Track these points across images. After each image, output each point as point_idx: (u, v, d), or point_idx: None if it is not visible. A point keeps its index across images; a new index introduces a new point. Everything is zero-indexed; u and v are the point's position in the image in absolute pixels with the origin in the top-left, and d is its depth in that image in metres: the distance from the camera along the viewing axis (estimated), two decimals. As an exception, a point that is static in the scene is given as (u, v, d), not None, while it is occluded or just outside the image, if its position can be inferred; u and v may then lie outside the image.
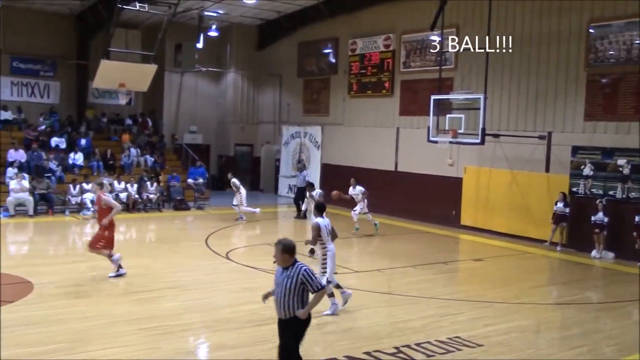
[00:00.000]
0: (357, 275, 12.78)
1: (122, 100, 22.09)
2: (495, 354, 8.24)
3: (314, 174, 25.36)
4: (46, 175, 20.82)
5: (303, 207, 20.57)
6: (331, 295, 9.63)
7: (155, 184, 22.03)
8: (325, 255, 9.69)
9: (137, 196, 21.41)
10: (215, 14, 25.23)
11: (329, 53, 24.93)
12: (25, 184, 19.45)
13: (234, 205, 20.60)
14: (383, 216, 20.92)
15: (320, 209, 10.05)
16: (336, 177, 24.20)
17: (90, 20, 24.98)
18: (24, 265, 12.55)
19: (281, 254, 6.29)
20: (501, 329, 9.38)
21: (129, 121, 27.01)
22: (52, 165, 21.83)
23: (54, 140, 23.63)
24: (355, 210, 18.38)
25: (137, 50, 25.14)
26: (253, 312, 9.60)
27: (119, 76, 20.83)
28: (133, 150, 24.43)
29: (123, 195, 21.02)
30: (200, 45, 24.87)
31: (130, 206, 21.10)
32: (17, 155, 21.63)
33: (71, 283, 11.12)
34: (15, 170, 20.37)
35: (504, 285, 12.51)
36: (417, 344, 8.42)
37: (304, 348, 6.35)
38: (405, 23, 21.56)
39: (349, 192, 18.37)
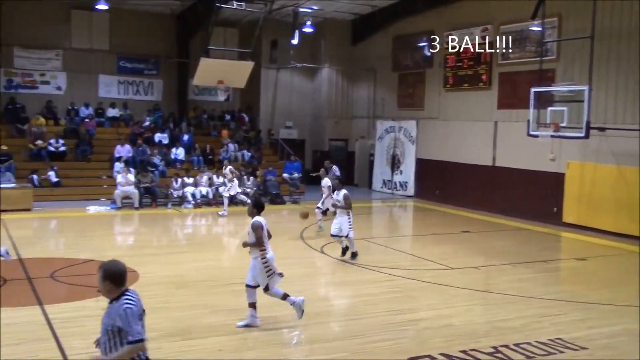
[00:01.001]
0: (452, 272, 12.54)
1: (221, 97, 22.66)
2: (600, 358, 7.85)
3: (408, 169, 25.14)
4: (150, 169, 21.79)
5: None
6: (285, 297, 8.72)
7: (252, 178, 22.53)
8: (266, 259, 8.61)
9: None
10: (309, 10, 25.45)
11: (424, 46, 24.56)
12: (131, 177, 20.41)
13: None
14: (479, 212, 20.45)
15: (259, 207, 8.89)
16: (431, 172, 23.88)
17: (190, 20, 25.86)
18: (129, 255, 13.15)
19: (102, 282, 4.70)
20: (606, 332, 8.92)
21: (227, 117, 27.78)
22: (156, 159, 22.83)
23: (158, 136, 24.70)
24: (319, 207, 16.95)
25: (235, 48, 25.76)
26: (347, 306, 9.63)
27: (218, 73, 21.39)
28: (231, 146, 25.13)
29: (221, 189, 21.62)
30: (295, 41, 25.17)
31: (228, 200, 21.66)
32: (124, 150, 22.78)
33: (173, 273, 11.57)
34: (122, 164, 21.48)
35: (610, 286, 11.89)
36: (516, 345, 8.15)
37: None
38: (504, 13, 20.88)
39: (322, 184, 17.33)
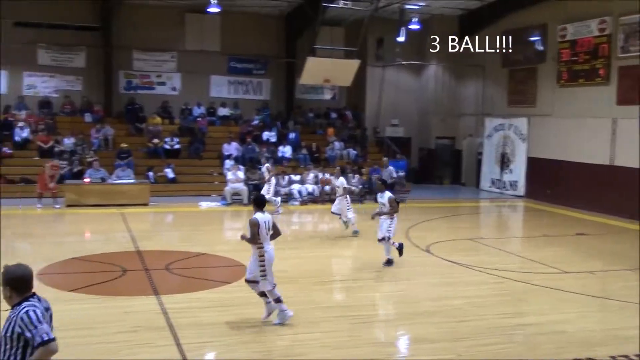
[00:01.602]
0: (565, 276, 11.99)
1: (327, 96, 22.95)
2: None
3: (518, 168, 24.30)
4: (259, 167, 22.36)
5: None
6: (278, 300, 8.50)
7: (357, 176, 22.58)
8: (263, 256, 8.42)
9: (340, 188, 22.11)
10: (416, 7, 25.14)
11: (536, 40, 23.61)
12: (241, 174, 21.04)
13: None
14: (594, 213, 19.44)
15: (259, 204, 8.67)
16: (542, 171, 22.95)
17: (298, 21, 26.26)
18: (238, 249, 13.49)
19: (3, 287, 4.32)
20: None
21: (333, 115, 28.01)
22: (264, 157, 23.38)
23: (266, 134, 25.32)
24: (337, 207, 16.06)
25: (341, 47, 25.91)
26: (454, 307, 9.44)
27: (324, 72, 21.60)
28: (337, 144, 25.32)
29: (327, 187, 21.86)
30: (401, 38, 24.97)
31: (333, 198, 21.86)
32: (233, 148, 23.52)
33: (278, 268, 11.71)
34: (232, 162, 22.18)
35: None
36: (638, 356, 7.66)
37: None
38: (624, 4, 19.66)
39: (333, 183, 16.99)
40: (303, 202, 21.30)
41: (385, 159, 22.06)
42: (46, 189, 18.78)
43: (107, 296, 9.58)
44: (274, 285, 8.48)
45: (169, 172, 22.13)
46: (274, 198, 18.73)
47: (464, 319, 8.94)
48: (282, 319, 8.44)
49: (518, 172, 24.37)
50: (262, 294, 8.58)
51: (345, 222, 15.60)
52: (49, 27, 25.04)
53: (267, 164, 19.42)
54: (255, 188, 21.11)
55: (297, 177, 21.93)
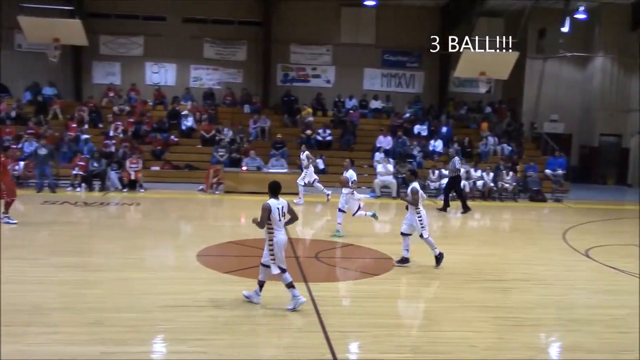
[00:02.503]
0: None
1: (482, 89, 22.19)
2: None
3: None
4: (409, 160, 22.20)
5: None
6: (291, 285, 8.43)
7: (511, 173, 21.71)
8: (272, 241, 8.39)
9: (492, 184, 21.40)
10: (584, -5, 23.63)
11: None
12: (390, 167, 21.01)
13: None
14: None
15: (274, 190, 8.56)
16: None
17: (454, 12, 25.65)
18: (385, 242, 13.52)
19: None
20: None
21: (487, 109, 27.11)
22: (415, 151, 23.18)
23: (417, 128, 25.07)
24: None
25: (499, 38, 24.93)
26: (614, 317, 8.75)
27: (480, 65, 20.98)
28: (491, 139, 24.49)
29: (479, 183, 21.24)
30: (565, 29, 23.55)
31: (485, 194, 21.22)
32: (385, 141, 23.54)
33: (427, 264, 11.60)
34: (382, 154, 22.19)
35: None
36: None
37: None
38: None
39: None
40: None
41: (452, 150, 20.61)
42: (208, 187, 20.13)
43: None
44: (284, 270, 8.45)
45: (320, 163, 22.58)
46: (318, 185, 18.45)
47: (627, 330, 8.25)
48: (295, 305, 8.38)
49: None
50: (260, 284, 8.62)
51: (373, 215, 14.17)
52: (214, 22, 26.57)
53: (306, 152, 19.07)
54: (404, 181, 20.97)
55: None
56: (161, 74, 27.04)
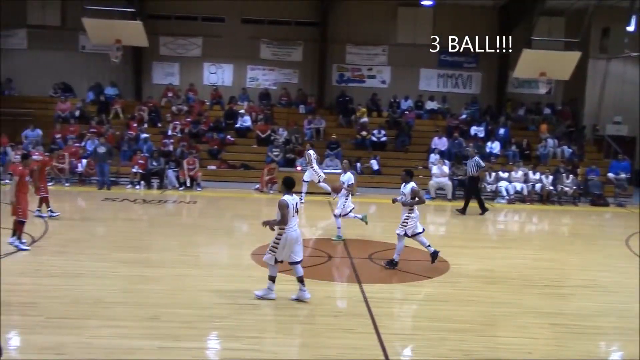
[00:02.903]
0: None
1: (542, 90, 21.70)
2: None
3: None
4: (464, 162, 21.84)
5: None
6: (301, 280, 8.67)
7: (571, 176, 21.12)
8: (281, 235, 8.45)
9: (551, 188, 20.87)
10: (652, -8, 22.75)
11: None
12: (445, 169, 20.73)
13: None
14: None
15: (288, 185, 8.63)
16: None
17: (514, 11, 25.15)
18: (440, 245, 13.28)
19: None
20: None
21: (547, 110, 26.47)
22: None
23: (474, 129, 24.67)
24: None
25: (560, 38, 24.34)
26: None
27: (540, 65, 20.54)
28: (550, 141, 23.90)
29: (537, 186, 20.77)
30: (631, 28, 22.73)
31: (544, 198, 20.73)
32: (440, 142, 23.25)
33: (484, 267, 11.41)
34: (437, 156, 21.92)
35: None
36: None
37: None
38: None
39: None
40: (510, 201, 20.42)
41: (470, 149, 19.89)
42: (263, 186, 20.30)
43: (312, 280, 9.94)
44: (297, 262, 8.61)
45: (374, 164, 22.52)
46: (324, 185, 17.62)
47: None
48: (299, 297, 8.64)
49: None
50: (272, 279, 8.73)
51: (363, 219, 13.64)
52: (271, 23, 26.78)
53: (311, 150, 18.55)
54: (460, 183, 20.68)
55: (505, 175, 21.06)
56: (218, 75, 27.43)
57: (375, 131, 24.20)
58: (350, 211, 13.41)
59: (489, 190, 20.86)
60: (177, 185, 20.33)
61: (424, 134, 24.78)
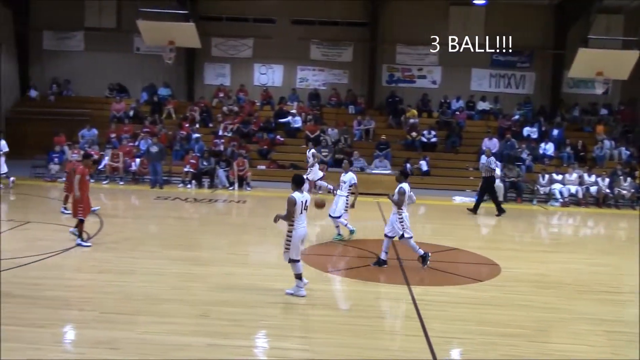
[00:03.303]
0: None
1: (599, 90, 21.11)
2: None
3: None
4: (517, 163, 21.44)
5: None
6: (299, 277, 8.78)
7: (629, 179, 20.48)
8: (291, 232, 8.67)
9: (608, 191, 20.28)
10: None
11: None
12: (498, 171, 20.32)
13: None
14: None
15: (297, 183, 8.80)
16: None
17: (570, 9, 24.55)
18: (490, 248, 13.14)
19: None
20: None
21: (604, 111, 25.74)
22: (524, 154, 22.37)
23: (527, 130, 24.20)
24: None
25: (618, 36, 23.65)
26: None
27: (597, 64, 20.05)
28: (607, 142, 23.23)
29: (593, 189, 20.21)
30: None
31: (600, 201, 20.15)
32: (490, 144, 22.84)
33: (536, 272, 11.14)
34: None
35: None
36: None
37: None
38: None
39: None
40: (564, 204, 19.94)
41: (487, 149, 19.25)
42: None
43: (360, 281, 9.92)
44: (297, 260, 8.73)
45: (424, 165, 22.30)
46: (322, 183, 16.60)
47: None
48: (294, 292, 8.75)
49: None
50: (298, 276, 8.82)
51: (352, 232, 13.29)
52: (321, 23, 26.84)
53: (313, 150, 18.21)
54: (512, 185, 20.30)
55: (558, 177, 20.57)
56: (269, 75, 27.64)
57: (425, 132, 23.98)
58: (345, 212, 13.18)
59: (542, 192, 20.41)
60: (228, 185, 20.57)
61: (475, 134, 24.42)
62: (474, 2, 24.82)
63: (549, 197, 20.26)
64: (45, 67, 27.80)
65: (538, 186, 20.50)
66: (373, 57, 26.58)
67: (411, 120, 24.58)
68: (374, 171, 20.83)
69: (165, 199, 18.10)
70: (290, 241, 8.74)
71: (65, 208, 14.37)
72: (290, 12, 26.80)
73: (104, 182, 20.58)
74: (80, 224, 11.60)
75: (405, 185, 10.87)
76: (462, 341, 7.61)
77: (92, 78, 27.40)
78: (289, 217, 8.67)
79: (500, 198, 19.85)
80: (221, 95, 26.69)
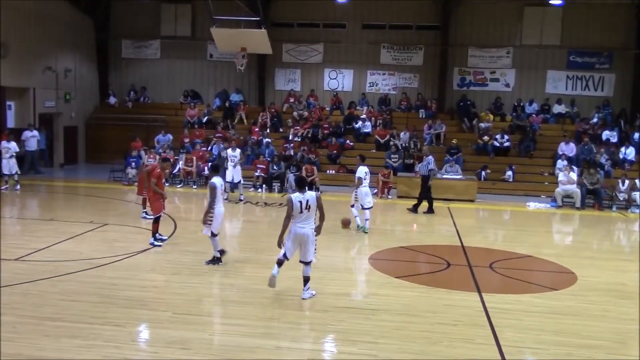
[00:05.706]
0: None
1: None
2: None
3: None
4: (599, 170, 20.65)
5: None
6: (279, 264, 8.92)
7: None
8: (290, 232, 8.83)
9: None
10: None
11: None
12: (574, 176, 19.65)
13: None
14: None
15: (299, 184, 9.02)
16: None
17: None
18: (567, 255, 12.70)
19: None
20: None
21: (690, 114, 24.51)
22: (602, 159, 21.54)
23: (606, 134, 23.30)
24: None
25: None
26: None
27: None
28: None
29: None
30: None
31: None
32: (567, 148, 22.13)
33: (615, 281, 10.70)
34: (565, 162, 20.87)
35: None
36: None
37: None
38: None
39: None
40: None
41: (425, 147, 19.34)
42: (380, 191, 20.21)
43: (430, 287, 9.77)
44: (285, 256, 8.88)
45: (510, 176, 21.87)
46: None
47: None
48: (307, 293, 8.95)
49: None
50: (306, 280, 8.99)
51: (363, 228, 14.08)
52: (392, 27, 26.73)
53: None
54: (590, 192, 19.56)
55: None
56: (338, 80, 27.71)
57: (497, 136, 23.45)
58: (354, 204, 14.19)
59: (621, 199, 19.56)
60: (297, 189, 20.68)
61: (550, 139, 23.70)
62: (550, 2, 24.12)
63: (629, 204, 19.40)
64: (123, 74, 28.89)
65: (617, 192, 19.66)
66: (444, 60, 26.24)
67: (483, 125, 24.09)
68: (444, 176, 20.50)
69: (237, 202, 18.39)
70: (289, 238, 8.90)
71: (146, 213, 14.80)
72: (361, 17, 26.82)
73: (179, 186, 21.11)
74: (155, 223, 11.97)
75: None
76: (536, 351, 7.38)
77: (168, 85, 28.32)
78: (287, 216, 8.86)
79: (578, 204, 19.18)
80: (291, 100, 26.96)
